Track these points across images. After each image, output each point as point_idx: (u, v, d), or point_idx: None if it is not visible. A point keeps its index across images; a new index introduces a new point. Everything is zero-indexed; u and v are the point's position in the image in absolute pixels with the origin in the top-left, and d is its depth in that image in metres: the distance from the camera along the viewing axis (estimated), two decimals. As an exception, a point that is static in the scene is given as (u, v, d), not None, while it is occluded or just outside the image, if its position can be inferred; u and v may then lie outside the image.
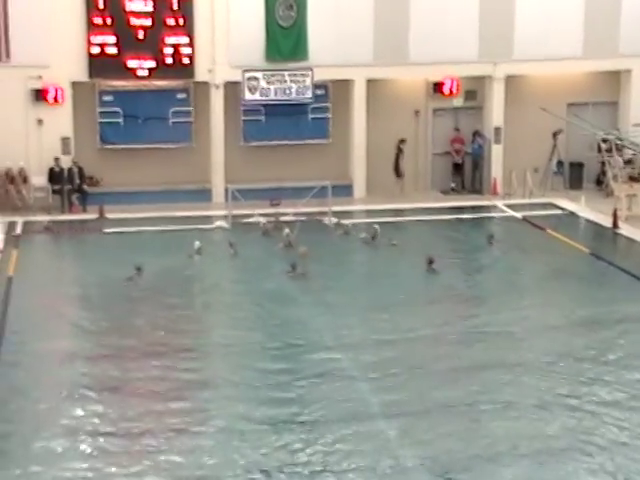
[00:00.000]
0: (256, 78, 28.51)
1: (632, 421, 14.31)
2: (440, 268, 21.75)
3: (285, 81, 28.63)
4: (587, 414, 14.61)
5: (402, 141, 29.63)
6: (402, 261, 22.70)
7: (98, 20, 27.67)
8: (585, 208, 27.33)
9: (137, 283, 20.90)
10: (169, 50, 28.10)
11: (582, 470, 12.94)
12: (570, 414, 14.63)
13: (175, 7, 27.99)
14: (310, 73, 28.60)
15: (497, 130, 29.82)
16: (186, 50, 28.21)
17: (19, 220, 26.29)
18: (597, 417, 14.50)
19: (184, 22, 28.11)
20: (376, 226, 24.47)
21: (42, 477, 12.77)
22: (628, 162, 28.03)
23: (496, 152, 29.91)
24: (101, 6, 27.60)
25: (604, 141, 28.13)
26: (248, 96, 28.60)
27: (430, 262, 21.74)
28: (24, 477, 12.75)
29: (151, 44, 27.93)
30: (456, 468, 13.00)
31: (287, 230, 24.12)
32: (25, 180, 27.58)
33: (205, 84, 28.63)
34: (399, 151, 29.60)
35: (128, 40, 27.76)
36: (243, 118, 29.18)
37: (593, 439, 13.77)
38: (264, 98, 28.68)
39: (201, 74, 28.47)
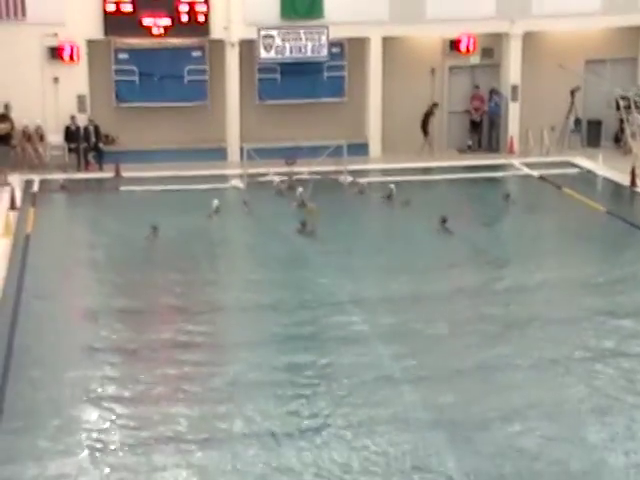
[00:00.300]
0: (271, 36, 28.34)
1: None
2: (456, 228, 21.69)
3: (301, 39, 28.45)
4: (614, 371, 14.67)
5: (435, 105, 29.46)
6: (418, 221, 22.59)
7: (113, -23, 27.58)
8: (603, 166, 27.17)
9: (153, 242, 20.95)
10: (184, 8, 27.92)
11: (600, 429, 12.99)
12: (595, 372, 14.69)
13: (191, -36, 27.85)
14: (326, 31, 28.40)
15: (514, 88, 29.58)
16: (202, 8, 28.03)
17: (36, 178, 26.33)
18: (624, 375, 14.54)
19: (199, -21, 27.98)
20: (391, 185, 24.41)
21: (52, 439, 12.89)
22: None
23: (513, 110, 29.71)
24: (116, -37, 27.51)
25: (623, 98, 27.89)
26: (263, 54, 28.45)
27: (443, 221, 21.69)
28: (34, 444, 12.88)
29: (166, 2, 27.75)
30: (473, 428, 13.04)
31: (300, 189, 24.09)
32: (42, 138, 27.59)
33: (220, 42, 28.50)
34: (430, 112, 29.37)
35: (143, -2, 27.67)
36: (258, 76, 29.06)
37: (619, 396, 13.86)
38: (279, 56, 28.52)
39: (217, 32, 28.32)
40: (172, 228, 21.74)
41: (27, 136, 27.40)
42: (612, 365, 14.92)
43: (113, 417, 13.40)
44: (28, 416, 13.34)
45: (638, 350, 15.45)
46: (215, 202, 23.20)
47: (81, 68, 27.86)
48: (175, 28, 27.96)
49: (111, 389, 14.26)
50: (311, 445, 12.64)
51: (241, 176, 26.33)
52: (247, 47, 28.50)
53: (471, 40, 29.49)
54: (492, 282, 18.86)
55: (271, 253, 20.62)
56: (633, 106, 27.27)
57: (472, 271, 19.57)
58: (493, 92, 29.84)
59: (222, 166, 28.00)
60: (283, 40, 28.37)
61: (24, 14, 27.22)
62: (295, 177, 25.77)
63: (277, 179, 25.77)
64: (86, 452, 12.49)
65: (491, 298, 17.98)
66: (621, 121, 28.74)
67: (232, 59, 28.50)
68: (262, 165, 25.96)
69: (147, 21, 27.81)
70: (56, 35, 27.47)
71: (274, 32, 28.32)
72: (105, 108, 28.34)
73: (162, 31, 27.99)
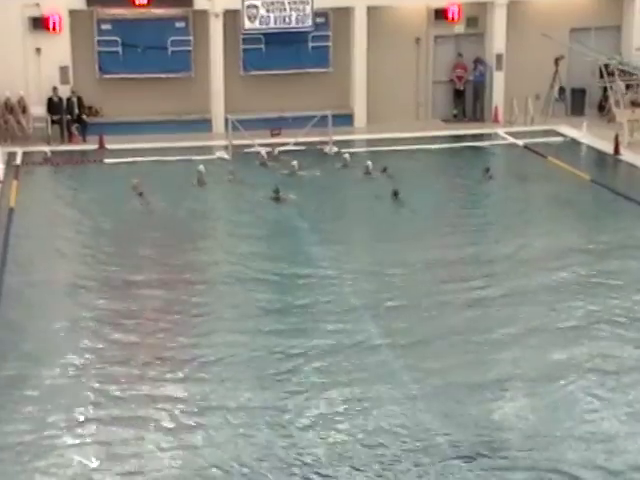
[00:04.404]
0: (255, 6, 28.20)
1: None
2: (440, 197, 21.74)
3: (285, 9, 28.32)
4: (601, 340, 14.77)
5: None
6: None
7: (96, -53, 27.36)
8: (587, 135, 27.20)
9: (139, 213, 20.97)
10: (167, -22, 27.80)
11: (583, 399, 13.10)
12: (579, 341, 14.76)
13: None
14: (310, 1, 28.27)
15: (499, 57, 29.54)
16: (185, -23, 27.91)
17: (18, 151, 26.18)
18: (610, 344, 14.62)
19: (183, -52, 27.79)
20: (368, 162, 24.28)
21: (46, 407, 13.01)
22: (628, 87, 27.77)
23: (498, 79, 29.67)
24: None
25: (606, 66, 27.89)
26: (248, 25, 28.31)
27: (395, 194, 21.74)
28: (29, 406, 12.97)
29: (149, -28, 27.62)
30: (459, 395, 13.16)
31: (295, 162, 24.19)
32: (24, 110, 27.39)
33: (204, 12, 28.33)
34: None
35: (126, -33, 27.48)
36: (243, 47, 28.90)
37: (605, 366, 13.96)
38: (264, 27, 28.40)
39: (200, 2, 28.15)
40: (157, 200, 21.74)
41: (9, 108, 27.22)
42: (598, 333, 15.00)
43: (104, 383, 13.51)
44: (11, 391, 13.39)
45: (623, 319, 15.50)
46: (201, 167, 23.33)
47: (63, 39, 27.66)
48: (158, -2, 27.82)
49: (99, 357, 14.32)
50: (293, 412, 12.73)
51: (226, 147, 26.26)
52: (231, 17, 28.36)
53: (456, 9, 29.39)
54: (475, 251, 18.92)
55: (255, 223, 20.66)
56: (617, 74, 27.30)
57: (455, 240, 19.60)
58: (478, 61, 29.76)
59: (207, 137, 27.89)
60: (267, 10, 28.24)
61: (5, -16, 27.03)
62: (283, 148, 25.66)
63: (263, 151, 25.64)
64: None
65: (474, 267, 18.02)
66: (605, 89, 28.78)
67: (216, 30, 28.35)
68: (247, 136, 25.89)
69: (130, -9, 27.66)
70: (38, 5, 27.29)
71: (258, 2, 28.18)
72: (88, 79, 28.17)
73: (145, 1, 27.81)
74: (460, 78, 29.96)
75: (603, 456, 11.70)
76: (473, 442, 11.98)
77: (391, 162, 24.48)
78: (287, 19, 28.39)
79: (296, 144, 26.03)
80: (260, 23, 28.33)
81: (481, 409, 12.80)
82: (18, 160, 25.56)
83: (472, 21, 30.03)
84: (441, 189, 23.34)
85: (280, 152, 25.40)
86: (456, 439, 12.04)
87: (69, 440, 12.16)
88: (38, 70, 27.51)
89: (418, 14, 29.68)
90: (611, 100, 27.90)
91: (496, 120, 29.54)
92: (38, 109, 27.39)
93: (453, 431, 12.22)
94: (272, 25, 28.40)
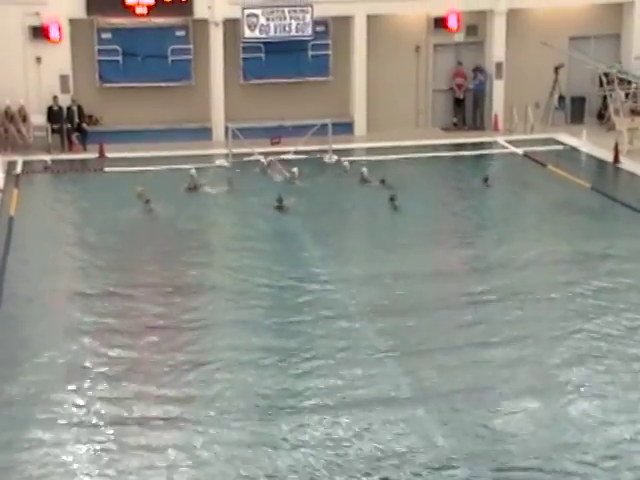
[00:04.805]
0: (256, 15, 28.25)
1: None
2: (438, 205, 21.75)
3: (285, 18, 28.37)
4: (599, 349, 14.77)
5: None
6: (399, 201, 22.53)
7: (96, -45, 27.40)
8: (586, 143, 27.19)
9: (139, 222, 21.04)
10: (167, -14, 27.82)
11: (582, 407, 13.13)
12: (578, 349, 14.79)
13: (174, -58, 27.70)
14: (310, 9, 28.33)
15: (498, 65, 29.58)
16: (185, -14, 27.94)
17: (19, 159, 26.21)
18: (609, 354, 14.64)
19: (183, -43, 27.83)
20: (364, 169, 24.30)
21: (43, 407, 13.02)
22: (628, 95, 27.79)
23: (497, 87, 29.71)
24: (99, -59, 27.34)
25: (606, 75, 27.92)
26: (248, 33, 28.36)
27: (392, 199, 21.78)
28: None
29: (149, -19, 27.65)
30: (459, 404, 13.18)
31: (295, 169, 24.22)
32: (25, 119, 27.40)
33: (204, 21, 28.38)
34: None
35: (126, -24, 27.52)
36: (243, 56, 28.95)
37: (603, 376, 13.98)
38: (264, 35, 28.44)
39: (200, 11, 28.21)
40: (157, 208, 21.73)
41: (10, 116, 27.23)
42: (598, 343, 14.98)
43: (97, 392, 13.57)
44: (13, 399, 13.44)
45: (622, 325, 15.57)
46: (192, 171, 23.45)
47: (64, 48, 27.70)
48: (158, 7, 27.83)
49: (96, 366, 14.37)
50: (292, 421, 12.78)
51: (226, 155, 26.29)
52: (231, 26, 28.40)
53: (456, 17, 29.42)
54: (476, 259, 18.94)
55: (255, 231, 20.71)
56: (616, 82, 27.35)
57: (456, 248, 19.65)
58: (477, 70, 29.80)
59: (207, 146, 27.90)
60: (267, 19, 28.29)
61: (5, -8, 27.08)
62: (282, 157, 25.76)
63: (263, 159, 25.68)
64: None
65: (475, 275, 18.04)
66: (604, 98, 28.82)
67: (216, 38, 28.39)
68: (247, 145, 25.90)
69: (130, 0, 27.66)
70: (38, 14, 27.33)
71: (258, 11, 28.23)
72: (88, 88, 28.22)
73: (145, 10, 27.86)
74: (460, 86, 30.00)
75: (605, 466, 11.71)
76: (473, 451, 11.99)
77: (391, 170, 24.53)
78: (287, 28, 28.44)
79: (296, 152, 26.06)
80: (260, 32, 28.38)
81: (483, 418, 12.80)
82: (18, 169, 25.60)
83: (472, 29, 30.07)
84: (441, 197, 23.30)
85: (272, 161, 25.39)
86: (456, 448, 12.04)
87: (59, 461, 12.11)
88: (38, 79, 27.55)
89: (418, 22, 29.72)
90: (611, 108, 27.94)
91: (496, 128, 29.57)
92: (38, 118, 27.42)
93: (453, 440, 12.22)
94: (272, 34, 28.44)
